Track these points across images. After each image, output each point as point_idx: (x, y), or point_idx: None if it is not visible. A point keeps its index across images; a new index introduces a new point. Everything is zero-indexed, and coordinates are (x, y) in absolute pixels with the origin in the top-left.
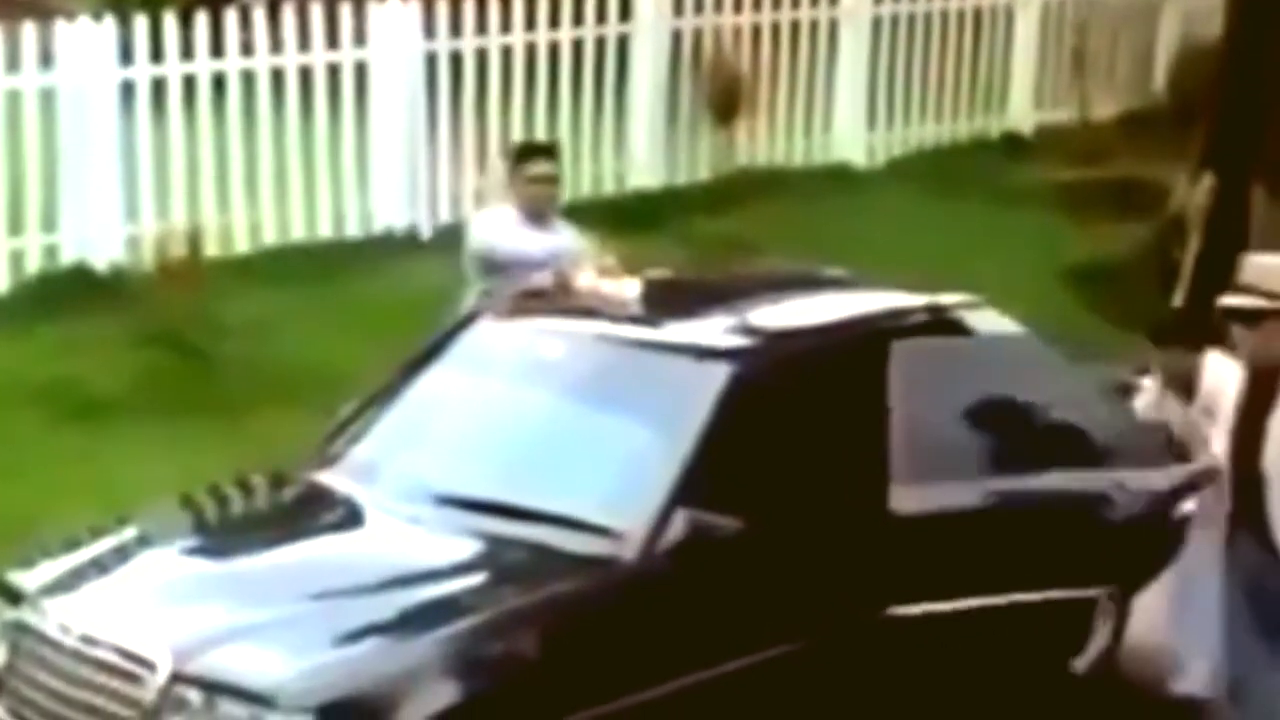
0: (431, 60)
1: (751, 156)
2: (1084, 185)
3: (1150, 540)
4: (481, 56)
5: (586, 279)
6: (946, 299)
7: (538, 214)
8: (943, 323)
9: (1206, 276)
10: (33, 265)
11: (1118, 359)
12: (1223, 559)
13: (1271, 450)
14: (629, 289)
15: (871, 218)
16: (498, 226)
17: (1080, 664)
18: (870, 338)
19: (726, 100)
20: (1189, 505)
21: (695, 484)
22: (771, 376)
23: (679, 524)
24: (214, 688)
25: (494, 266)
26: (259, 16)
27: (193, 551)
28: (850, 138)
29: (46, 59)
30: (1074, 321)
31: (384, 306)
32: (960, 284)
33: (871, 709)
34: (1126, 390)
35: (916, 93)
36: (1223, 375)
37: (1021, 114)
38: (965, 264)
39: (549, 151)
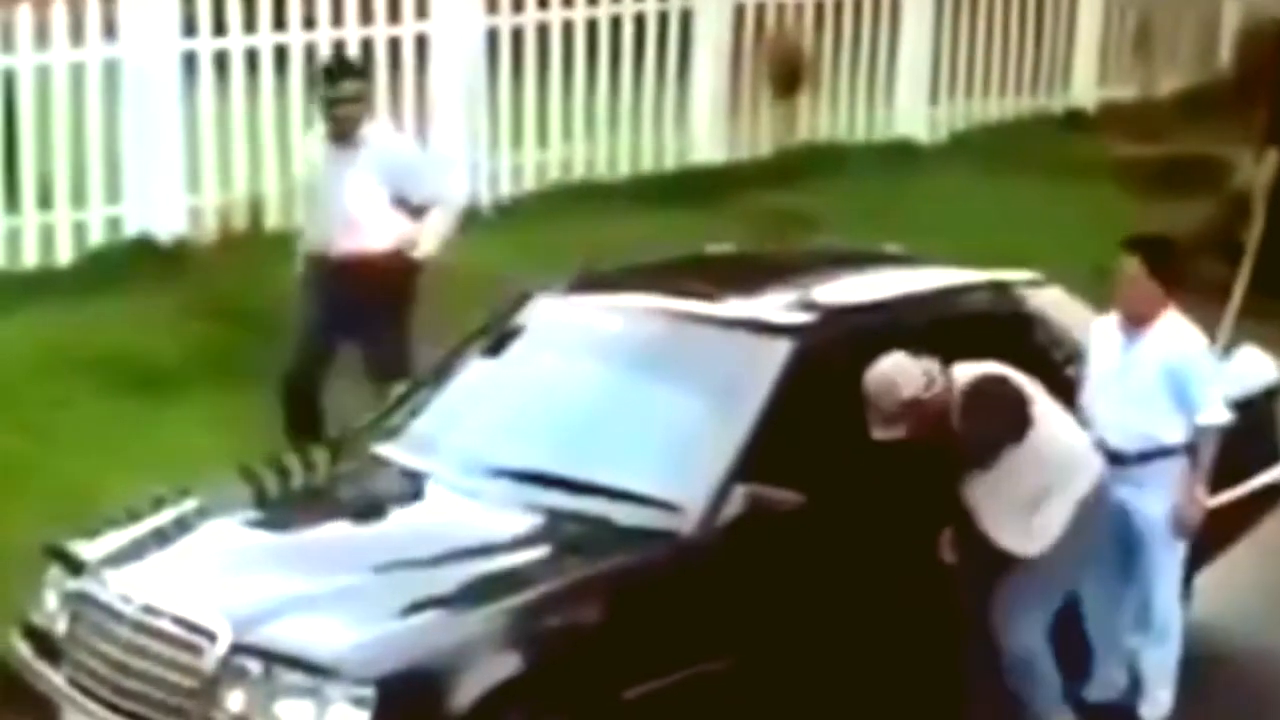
0: (492, 35)
1: (813, 131)
2: (1147, 162)
3: None
4: (543, 31)
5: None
6: (1008, 275)
7: (338, 137)
8: (1004, 299)
9: (1270, 253)
10: (96, 237)
11: None
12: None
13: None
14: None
15: (933, 193)
16: (313, 142)
17: None
18: (932, 314)
19: (788, 75)
20: None
21: (755, 459)
22: (832, 352)
23: (738, 498)
24: (274, 658)
25: (311, 190)
26: None
27: (253, 523)
28: (912, 113)
29: (110, 31)
30: None
31: (440, 280)
32: (1021, 260)
33: (929, 685)
34: None
35: (979, 67)
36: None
37: (1085, 89)
38: (1026, 240)
39: (350, 72)
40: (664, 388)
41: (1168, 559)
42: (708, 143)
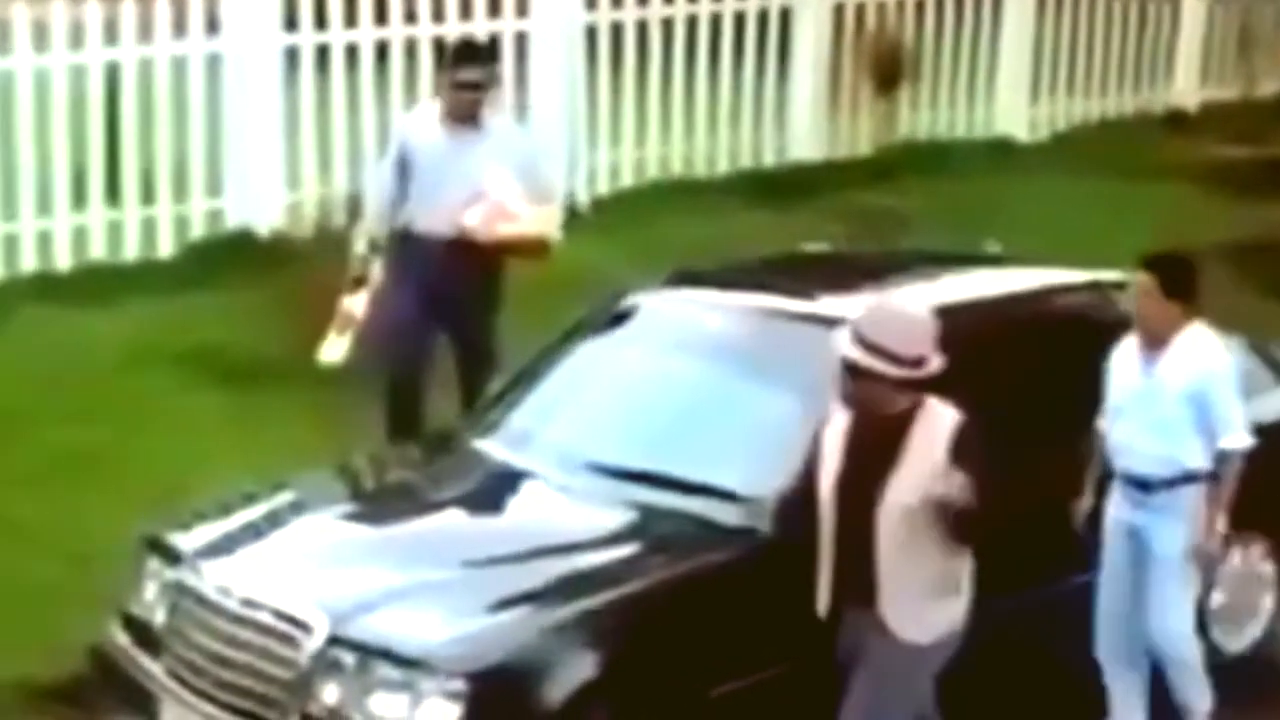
0: (592, 31)
1: (913, 129)
2: (1247, 163)
3: None
4: (642, 28)
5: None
6: (1107, 276)
7: (461, 119)
8: (1103, 301)
9: None
10: (196, 230)
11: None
12: None
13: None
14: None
15: (1032, 192)
16: (417, 122)
17: None
18: (1029, 314)
19: (888, 72)
20: None
21: None
22: None
23: None
24: (369, 651)
25: (406, 165)
26: None
27: (350, 516)
28: (1013, 111)
29: (213, 25)
30: (1232, 299)
31: (537, 276)
32: (1119, 261)
33: (1011, 679)
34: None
35: (1080, 66)
36: None
37: (1186, 90)
38: (1124, 240)
39: (482, 55)
40: (757, 385)
41: (1179, 588)
42: (807, 140)
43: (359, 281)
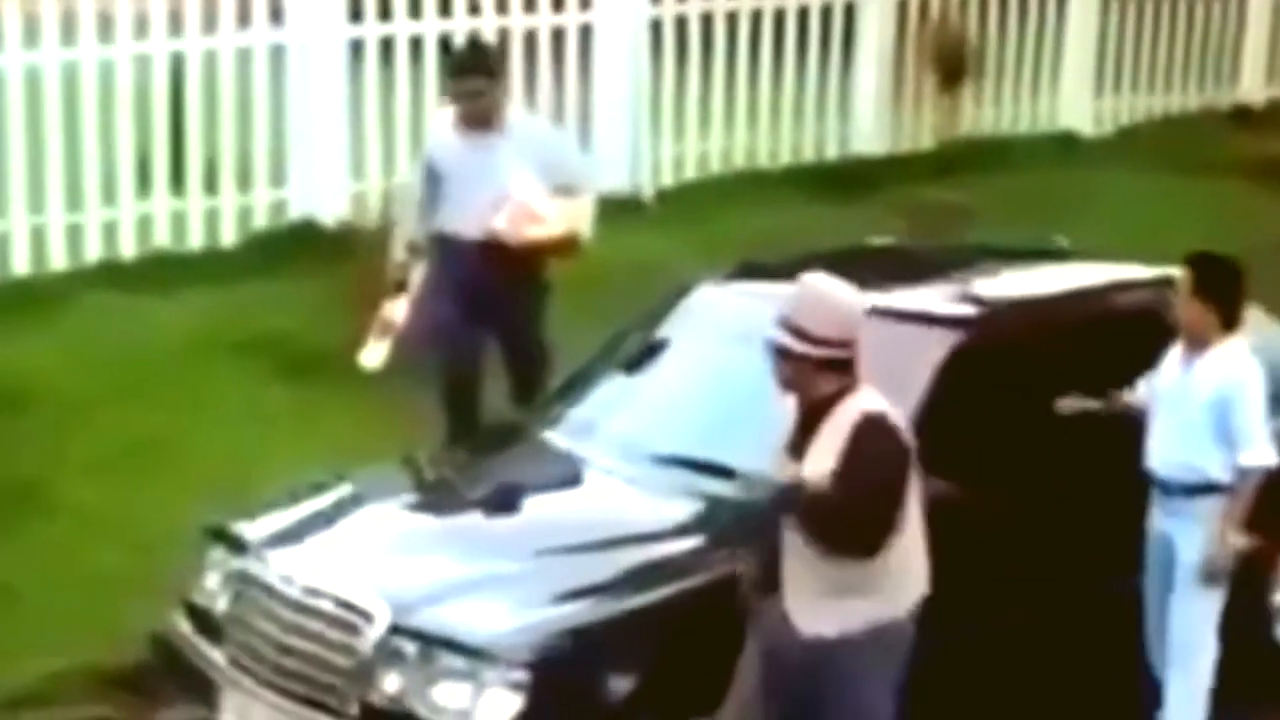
0: (656, 24)
1: (976, 123)
2: None
3: None
4: (707, 21)
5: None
6: (1172, 272)
7: (473, 125)
8: (1168, 296)
9: None
10: (260, 220)
11: None
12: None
13: None
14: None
15: (1096, 187)
16: (439, 129)
17: None
18: (1094, 309)
19: (952, 66)
20: None
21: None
22: (993, 346)
23: None
24: (431, 641)
25: (434, 175)
26: None
27: (413, 506)
28: (1077, 106)
29: (277, 16)
30: None
31: (601, 268)
32: (1180, 256)
33: (1087, 679)
34: None
35: (1145, 61)
36: None
37: (1253, 86)
38: (1186, 235)
39: (480, 64)
40: None
41: (1198, 596)
42: (870, 134)
43: (399, 286)
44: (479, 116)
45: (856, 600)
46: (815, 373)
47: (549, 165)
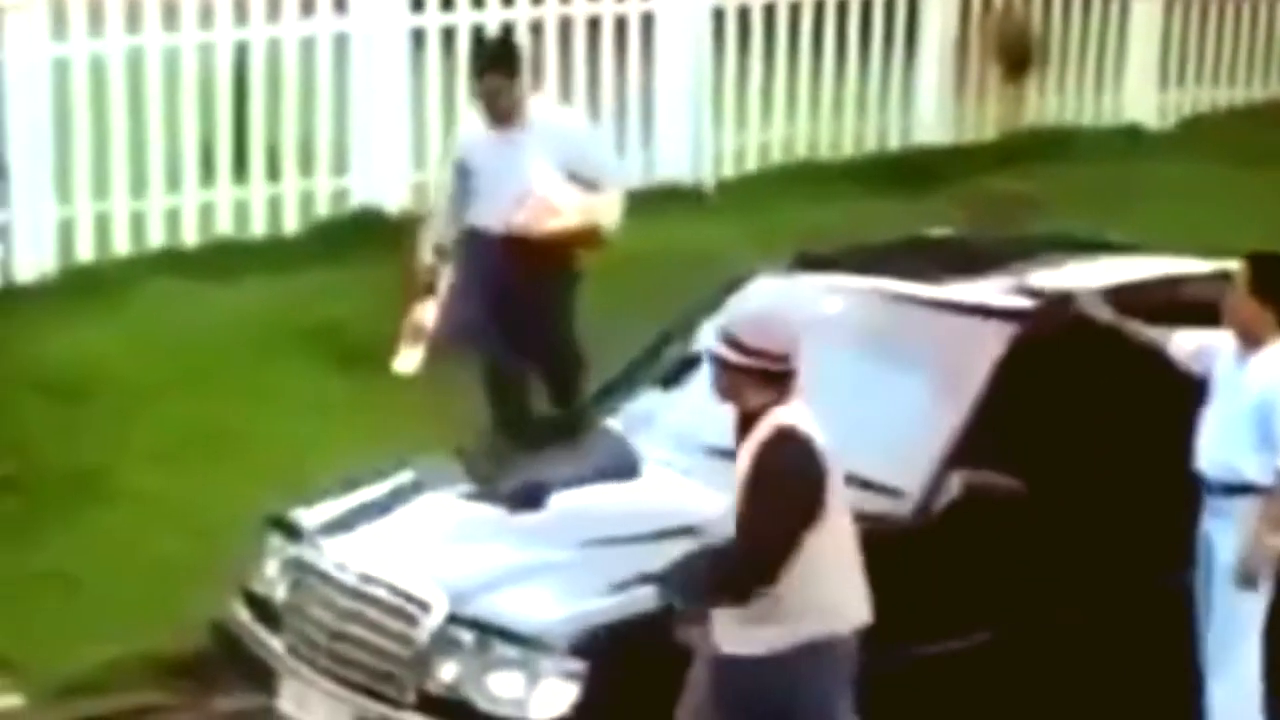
0: (718, 14)
1: (1040, 115)
2: None
3: None
4: (769, 11)
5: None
6: (1234, 266)
7: (497, 120)
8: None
9: None
10: (322, 208)
11: None
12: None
13: None
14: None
15: (1160, 180)
16: (469, 124)
17: None
18: (1155, 303)
19: (1016, 57)
20: None
21: (973, 444)
22: (1054, 339)
23: (956, 484)
24: (487, 630)
25: (464, 171)
26: None
27: (470, 495)
28: (1141, 98)
29: (340, 5)
30: None
31: (660, 258)
32: (1243, 250)
33: (1142, 676)
34: None
35: (1210, 53)
36: None
37: None
38: (1250, 229)
39: (500, 60)
40: (883, 370)
41: (1237, 598)
42: (932, 125)
43: (427, 289)
44: (501, 113)
45: (779, 626)
46: (748, 384)
47: (572, 159)
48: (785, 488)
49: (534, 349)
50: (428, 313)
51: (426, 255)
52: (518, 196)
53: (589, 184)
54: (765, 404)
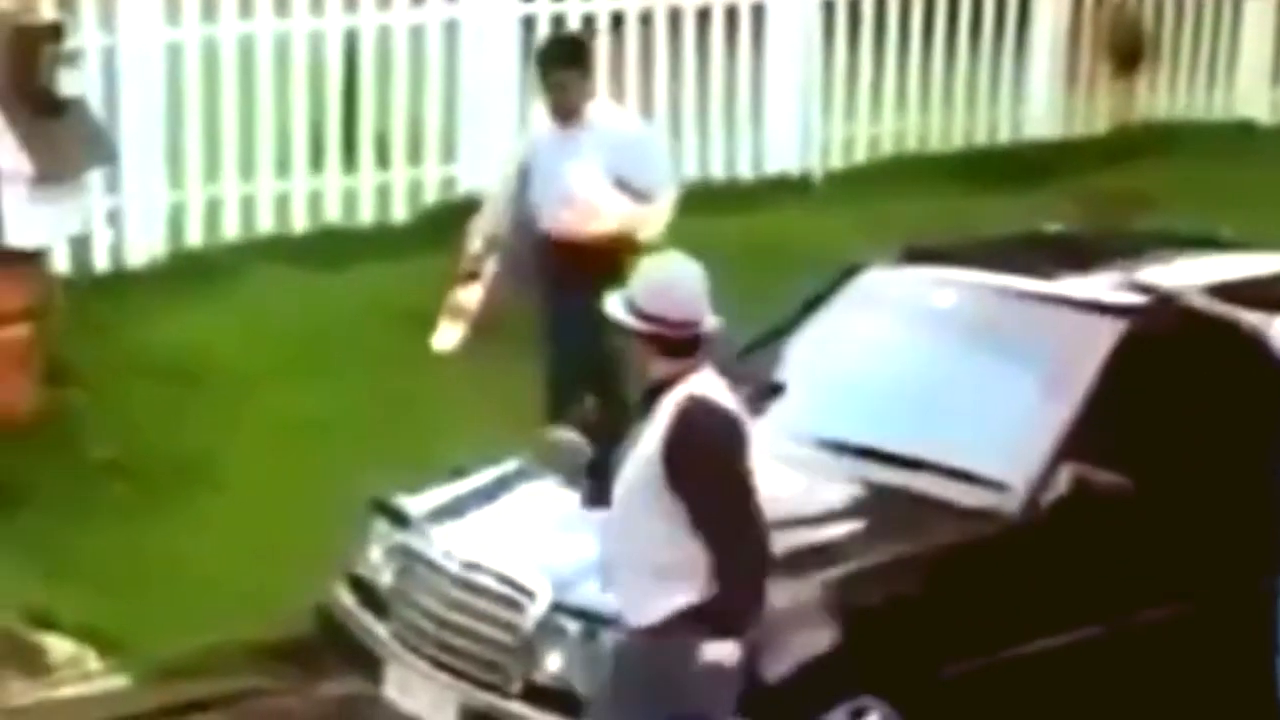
0: (829, 5)
1: (1151, 110)
2: None
3: None
4: (880, 2)
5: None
6: None
7: (558, 116)
8: None
9: None
10: (430, 196)
11: None
12: None
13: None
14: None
15: (1272, 178)
16: (538, 123)
17: None
18: (1266, 301)
19: (1128, 51)
20: None
21: (1083, 440)
22: (1164, 336)
23: (1064, 480)
24: (593, 619)
25: (528, 165)
26: None
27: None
28: (1253, 94)
29: None
30: None
31: (768, 249)
32: None
33: (1245, 677)
34: None
35: None
36: None
37: None
38: None
39: (561, 55)
40: (991, 364)
41: None
42: (1043, 119)
43: (471, 276)
44: (562, 109)
45: (683, 594)
46: (651, 352)
47: (623, 164)
48: (712, 454)
49: (575, 350)
50: (471, 295)
51: (475, 243)
52: (563, 197)
53: (639, 192)
54: (672, 375)
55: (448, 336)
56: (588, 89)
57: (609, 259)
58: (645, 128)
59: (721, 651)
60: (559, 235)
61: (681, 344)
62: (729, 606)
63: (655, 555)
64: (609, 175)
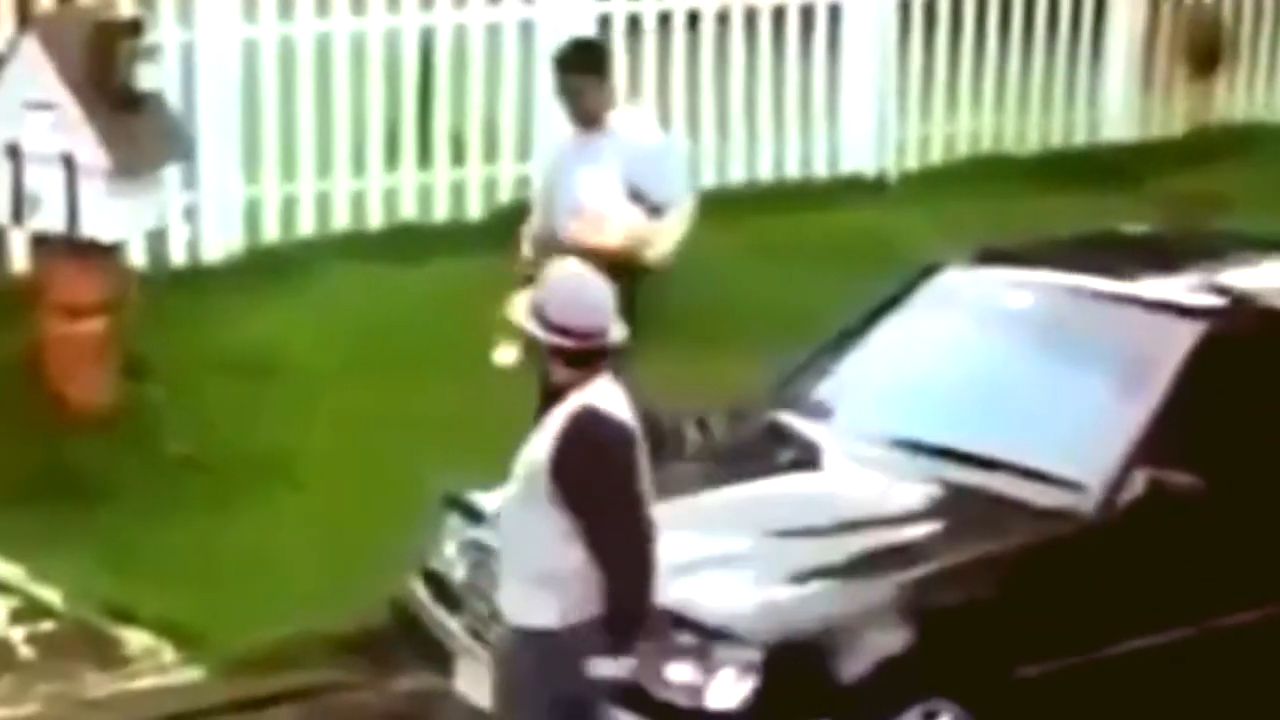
0: (905, 4)
1: (1228, 112)
2: None
3: None
4: (956, 2)
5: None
6: None
7: (577, 122)
8: None
9: None
10: (505, 194)
11: None
12: None
13: None
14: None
15: None
16: (565, 127)
17: None
18: None
19: (1206, 52)
20: None
21: (1159, 441)
22: (1242, 339)
23: (1140, 481)
24: (664, 617)
25: (552, 170)
26: None
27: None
28: None
29: None
30: None
31: (842, 248)
32: None
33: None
34: None
35: None
36: None
37: None
38: None
39: (577, 61)
40: (1067, 365)
41: None
42: (1119, 120)
43: (526, 281)
44: (580, 114)
45: (569, 599)
46: (552, 360)
47: (637, 175)
48: (602, 481)
49: None
50: (520, 306)
51: (527, 248)
52: (574, 205)
53: (654, 206)
54: (569, 382)
55: (507, 354)
56: (606, 95)
57: (612, 276)
58: (666, 139)
59: (612, 667)
60: (569, 245)
61: (585, 354)
62: (616, 620)
63: (539, 561)
64: (624, 185)
